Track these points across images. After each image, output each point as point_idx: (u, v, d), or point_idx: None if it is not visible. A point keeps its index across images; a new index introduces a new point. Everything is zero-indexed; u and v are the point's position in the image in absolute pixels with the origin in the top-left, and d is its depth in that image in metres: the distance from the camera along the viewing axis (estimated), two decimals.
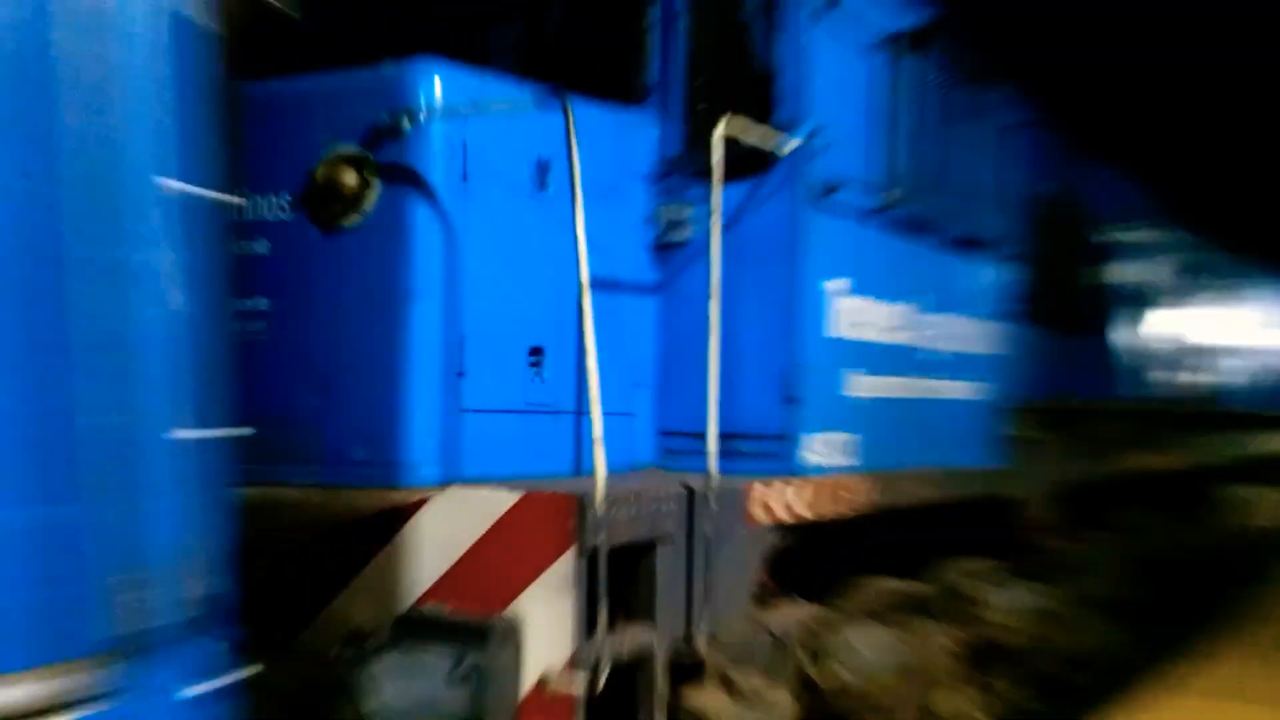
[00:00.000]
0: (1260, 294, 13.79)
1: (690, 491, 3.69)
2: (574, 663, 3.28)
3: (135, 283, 1.88)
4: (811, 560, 4.57)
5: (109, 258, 1.82)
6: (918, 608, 5.24)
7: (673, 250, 4.55)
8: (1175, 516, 10.10)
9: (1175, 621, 9.38)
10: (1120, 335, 8.77)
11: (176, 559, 1.95)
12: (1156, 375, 9.52)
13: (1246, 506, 13.44)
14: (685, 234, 4.51)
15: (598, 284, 4.17)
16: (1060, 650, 6.86)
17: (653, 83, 4.65)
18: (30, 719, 1.73)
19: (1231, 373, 12.10)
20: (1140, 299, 9.29)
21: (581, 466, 4.13)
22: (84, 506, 1.82)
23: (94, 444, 1.82)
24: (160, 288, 1.92)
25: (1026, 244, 6.37)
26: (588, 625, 3.32)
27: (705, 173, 4.31)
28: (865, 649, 4.64)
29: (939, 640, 5.32)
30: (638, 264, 4.53)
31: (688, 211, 4.50)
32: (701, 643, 3.70)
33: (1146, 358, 9.30)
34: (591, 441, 3.74)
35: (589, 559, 3.29)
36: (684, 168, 4.51)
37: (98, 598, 1.83)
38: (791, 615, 4.32)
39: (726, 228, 4.24)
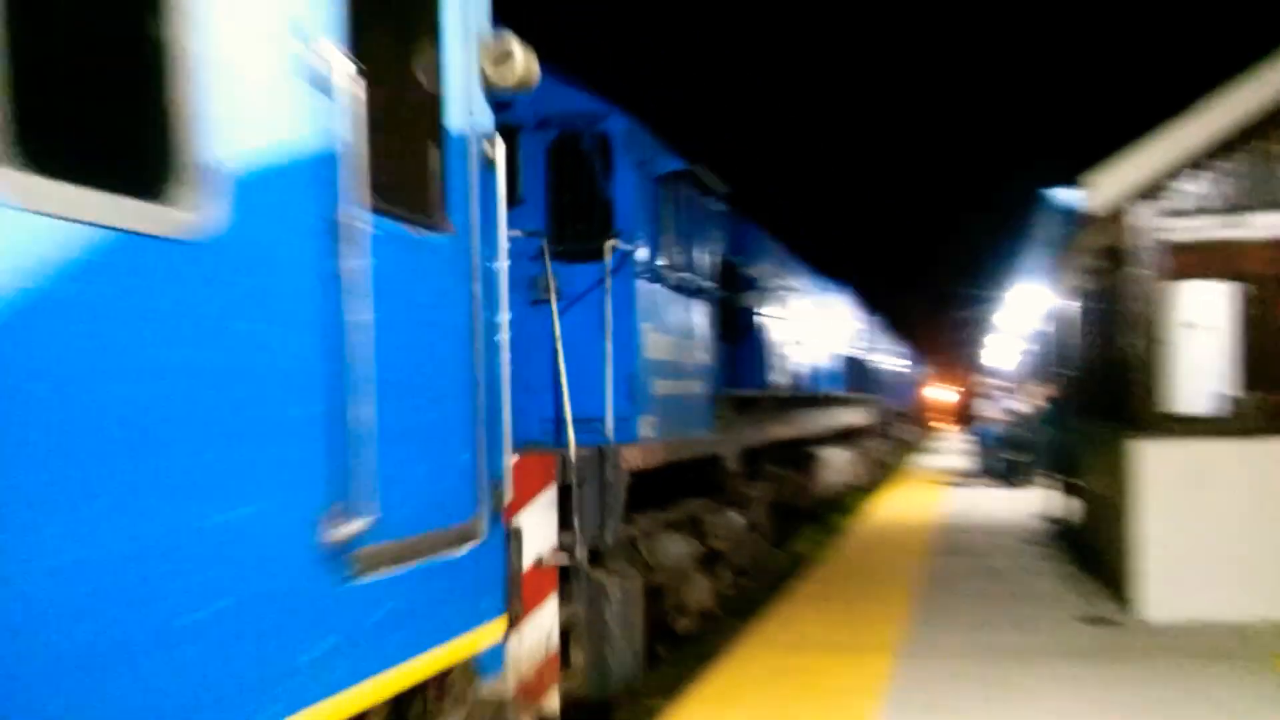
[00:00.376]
0: (839, 307, 18.57)
1: (600, 451, 6.37)
2: (558, 548, 5.85)
3: (493, 340, 4.31)
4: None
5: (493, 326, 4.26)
6: (680, 526, 8.24)
7: (541, 305, 7.14)
8: (795, 471, 14.04)
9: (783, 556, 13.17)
10: (763, 343, 12.40)
11: (503, 475, 4.38)
12: (784, 370, 13.34)
13: (827, 464, 18.06)
14: (548, 294, 7.12)
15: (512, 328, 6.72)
16: (742, 559, 10.23)
17: (524, 193, 7.22)
18: (465, 541, 4.13)
19: (822, 365, 16.50)
20: (771, 316, 13.01)
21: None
22: (480, 454, 4.22)
23: (490, 424, 4.23)
24: (496, 343, 4.35)
25: (720, 287, 9.60)
26: (561, 528, 5.91)
27: (567, 256, 7.02)
28: (667, 548, 7.56)
29: (691, 547, 8.37)
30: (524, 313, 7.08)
31: (553, 280, 7.11)
32: (606, 540, 6.40)
33: (777, 358, 13.06)
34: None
35: (563, 490, 5.89)
36: (550, 251, 7.11)
37: (486, 491, 4.25)
38: (633, 526, 7.11)
39: (584, 294, 6.96)
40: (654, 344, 7.47)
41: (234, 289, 2.84)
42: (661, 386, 7.60)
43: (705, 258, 8.98)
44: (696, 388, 8.60)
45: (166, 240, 2.59)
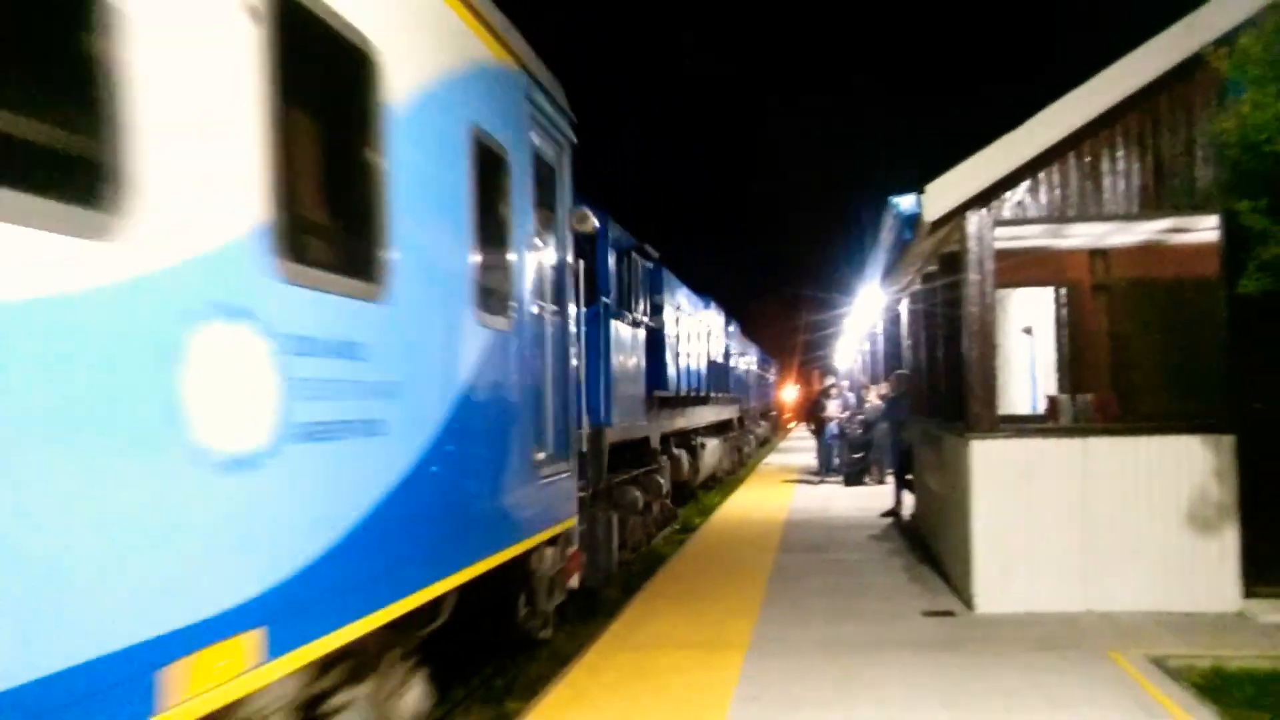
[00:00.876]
0: (710, 318, 22.82)
1: (598, 430, 10.29)
2: (580, 489, 9.73)
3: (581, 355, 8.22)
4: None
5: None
6: (628, 483, 12.23)
7: None
8: (685, 453, 18.17)
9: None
10: (664, 354, 16.46)
11: (580, 437, 8.27)
12: (677, 374, 17.44)
13: (706, 450, 22.29)
14: None
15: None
16: (658, 512, 14.30)
17: None
18: (567, 470, 8.02)
19: (701, 370, 20.71)
20: (669, 332, 17.08)
21: None
22: (570, 424, 8.12)
23: (576, 410, 8.12)
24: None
25: (650, 318, 13.62)
26: (580, 477, 9.80)
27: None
28: (627, 494, 11.55)
29: (637, 495, 12.38)
30: None
31: None
32: (600, 485, 10.32)
33: (672, 365, 17.14)
34: None
35: (580, 456, 9.79)
36: None
37: (572, 439, 8.14)
38: (610, 479, 11.04)
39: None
40: (618, 362, 11.45)
41: (520, 348, 6.68)
42: (621, 389, 11.58)
43: (641, 300, 13.00)
44: (638, 390, 12.61)
45: (502, 332, 6.42)
